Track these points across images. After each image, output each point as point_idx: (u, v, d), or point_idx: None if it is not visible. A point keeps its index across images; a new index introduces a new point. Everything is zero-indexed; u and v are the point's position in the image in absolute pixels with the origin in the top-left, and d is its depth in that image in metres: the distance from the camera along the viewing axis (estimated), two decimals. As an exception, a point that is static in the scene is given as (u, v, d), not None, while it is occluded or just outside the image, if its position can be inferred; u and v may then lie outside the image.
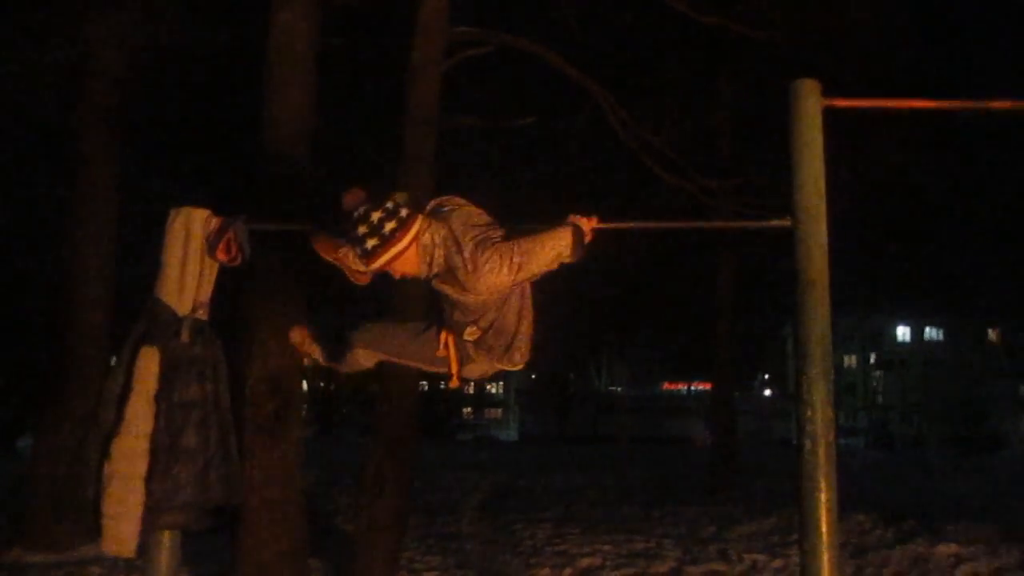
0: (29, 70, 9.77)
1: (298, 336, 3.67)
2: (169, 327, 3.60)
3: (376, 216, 2.86)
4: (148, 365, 3.55)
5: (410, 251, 2.88)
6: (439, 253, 2.90)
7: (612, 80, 10.37)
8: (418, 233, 2.88)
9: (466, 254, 2.84)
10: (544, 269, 2.90)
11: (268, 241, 5.34)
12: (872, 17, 10.89)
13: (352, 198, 2.98)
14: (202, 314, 3.67)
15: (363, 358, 3.33)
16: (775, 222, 3.27)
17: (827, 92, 3.20)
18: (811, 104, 3.15)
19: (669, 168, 10.31)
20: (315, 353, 3.59)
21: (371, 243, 2.85)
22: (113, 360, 3.69)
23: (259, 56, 6.44)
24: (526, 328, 3.12)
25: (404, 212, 2.88)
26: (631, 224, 3.33)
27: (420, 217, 2.90)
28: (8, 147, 12.83)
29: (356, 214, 2.89)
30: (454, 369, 3.20)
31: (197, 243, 3.64)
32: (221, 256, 3.66)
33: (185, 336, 3.61)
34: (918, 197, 14.68)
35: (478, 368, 3.20)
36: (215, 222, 3.68)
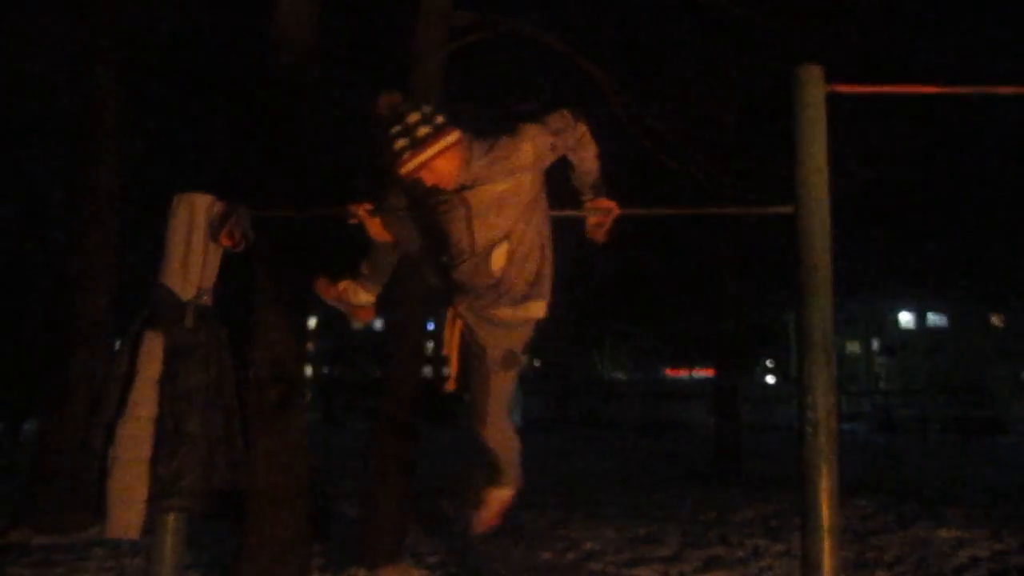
0: (32, 56, 9.78)
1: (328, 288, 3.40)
2: (173, 312, 3.61)
3: (412, 118, 2.84)
4: (152, 350, 3.57)
5: (444, 158, 2.86)
6: (478, 148, 2.93)
7: (615, 65, 10.33)
8: (454, 143, 2.87)
9: (503, 135, 2.94)
10: (563, 124, 3.04)
11: (272, 226, 5.35)
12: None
13: (388, 99, 2.92)
14: (206, 300, 3.69)
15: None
16: (778, 208, 3.27)
17: (831, 78, 3.19)
18: (814, 90, 3.15)
19: (671, 154, 10.29)
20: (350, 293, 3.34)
21: (400, 144, 2.83)
22: (117, 344, 3.70)
23: (261, 40, 6.44)
24: (549, 258, 3.09)
25: (440, 119, 2.87)
26: (634, 211, 3.32)
27: (458, 132, 2.90)
28: (11, 131, 12.83)
29: (391, 112, 2.87)
30: (453, 370, 3.17)
31: (201, 228, 3.66)
32: (224, 242, 3.68)
33: (189, 321, 3.62)
34: (920, 182, 14.65)
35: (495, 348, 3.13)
36: (218, 207, 3.70)
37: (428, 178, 2.89)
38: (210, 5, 10.33)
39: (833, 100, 3.18)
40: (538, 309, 3.11)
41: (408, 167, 2.85)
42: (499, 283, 3.02)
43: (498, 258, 2.99)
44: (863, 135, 10.86)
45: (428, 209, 3.08)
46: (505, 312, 3.08)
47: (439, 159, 2.85)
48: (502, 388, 3.19)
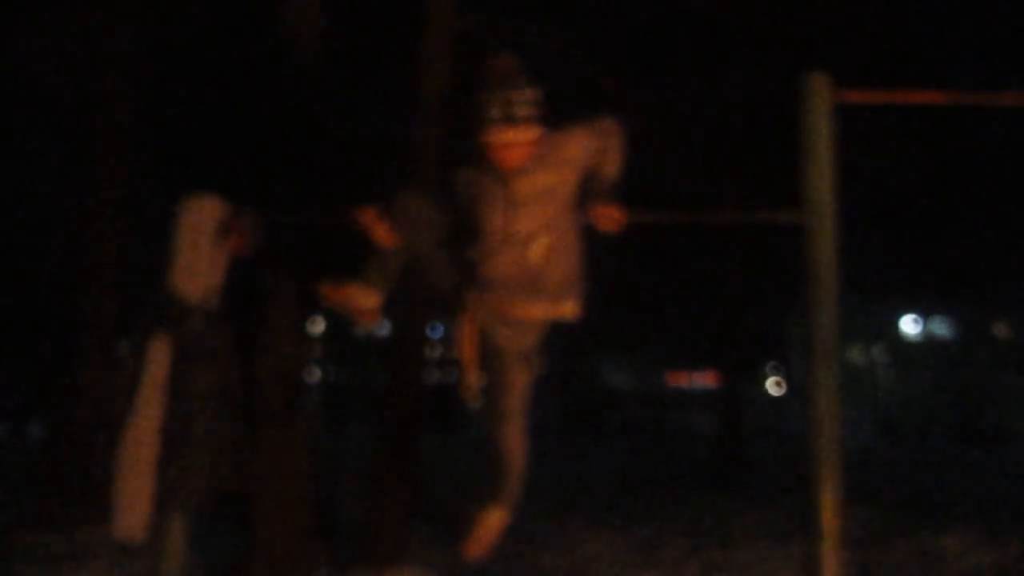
0: (42, 58, 9.82)
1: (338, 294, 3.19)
2: (180, 315, 3.63)
3: (533, 94, 2.95)
4: (159, 353, 3.59)
5: (527, 146, 2.95)
6: (541, 147, 3.01)
7: (621, 72, 10.35)
8: (538, 136, 2.96)
9: (554, 131, 3.03)
10: (609, 130, 3.11)
11: (278, 231, 5.37)
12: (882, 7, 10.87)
13: (509, 61, 3.00)
14: (213, 302, 3.70)
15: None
16: (784, 216, 3.28)
17: (838, 85, 3.20)
18: (822, 98, 3.16)
19: (678, 161, 10.30)
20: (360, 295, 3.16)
21: (520, 111, 2.90)
22: (124, 347, 3.73)
23: (268, 45, 6.46)
24: (580, 263, 3.12)
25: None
26: (639, 217, 3.33)
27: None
28: (20, 133, 12.87)
29: (509, 75, 2.94)
30: (470, 374, 3.16)
31: (207, 232, 3.68)
32: (231, 245, 3.71)
33: (196, 325, 3.64)
34: (925, 189, 14.64)
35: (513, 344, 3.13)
36: (225, 211, 3.72)
37: (501, 156, 2.94)
38: (218, 10, 10.36)
39: (841, 107, 3.19)
40: (571, 308, 3.12)
41: (505, 136, 2.90)
42: (536, 277, 3.02)
43: (537, 250, 3.00)
44: (869, 142, 10.86)
45: (467, 196, 3.11)
46: (538, 309, 3.07)
47: (525, 145, 2.93)
48: (520, 388, 3.19)
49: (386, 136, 10.74)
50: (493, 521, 3.33)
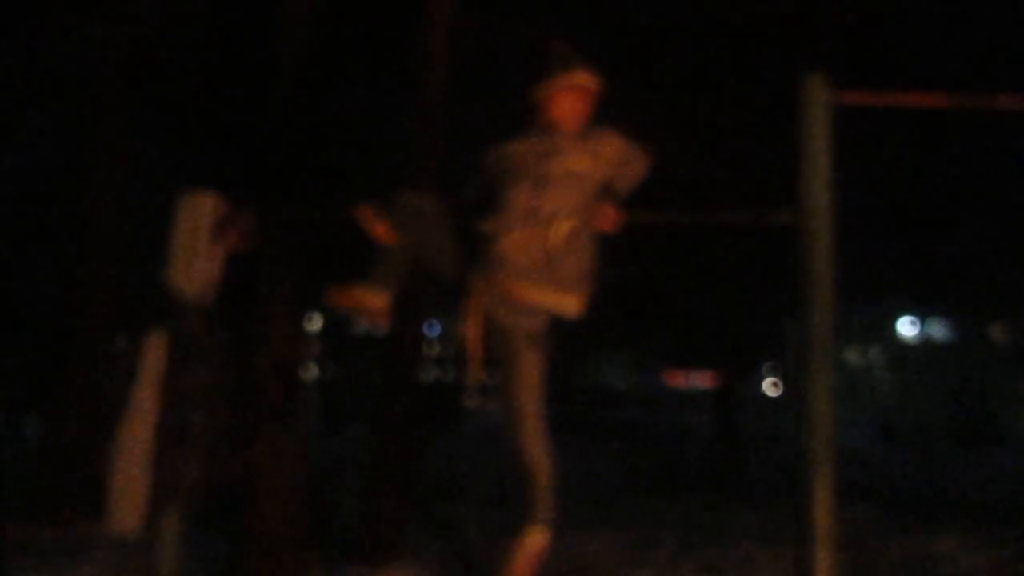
0: (42, 54, 9.83)
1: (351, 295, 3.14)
2: (177, 312, 3.63)
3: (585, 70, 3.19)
4: (155, 350, 3.59)
5: (585, 93, 3.17)
6: (581, 134, 3.16)
7: (618, 71, 10.34)
8: (593, 91, 3.21)
9: (598, 128, 3.21)
10: (639, 154, 3.26)
11: (277, 228, 5.38)
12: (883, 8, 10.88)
13: (566, 45, 3.25)
14: (209, 299, 3.70)
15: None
16: (780, 217, 3.28)
17: (835, 85, 3.20)
18: (819, 99, 3.16)
19: (674, 161, 10.29)
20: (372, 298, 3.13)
21: (573, 61, 3.16)
22: (120, 343, 3.73)
23: (267, 42, 6.46)
24: (592, 263, 3.15)
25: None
26: (636, 217, 3.33)
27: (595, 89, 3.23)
28: (18, 130, 12.85)
29: (569, 51, 3.20)
30: (476, 359, 3.11)
31: (205, 229, 3.68)
32: (228, 242, 3.70)
33: (193, 321, 3.64)
34: (922, 191, 14.65)
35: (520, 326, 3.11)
36: (222, 208, 3.72)
37: (563, 103, 3.11)
38: (216, 7, 10.34)
39: (839, 108, 3.19)
40: (575, 304, 3.10)
41: (585, 78, 3.14)
42: (550, 260, 3.01)
43: (558, 231, 3.01)
44: (865, 143, 10.85)
45: (497, 169, 3.15)
46: (544, 295, 3.04)
47: (587, 101, 3.14)
48: (532, 373, 3.10)
49: (385, 133, 10.74)
50: (532, 543, 2.98)
